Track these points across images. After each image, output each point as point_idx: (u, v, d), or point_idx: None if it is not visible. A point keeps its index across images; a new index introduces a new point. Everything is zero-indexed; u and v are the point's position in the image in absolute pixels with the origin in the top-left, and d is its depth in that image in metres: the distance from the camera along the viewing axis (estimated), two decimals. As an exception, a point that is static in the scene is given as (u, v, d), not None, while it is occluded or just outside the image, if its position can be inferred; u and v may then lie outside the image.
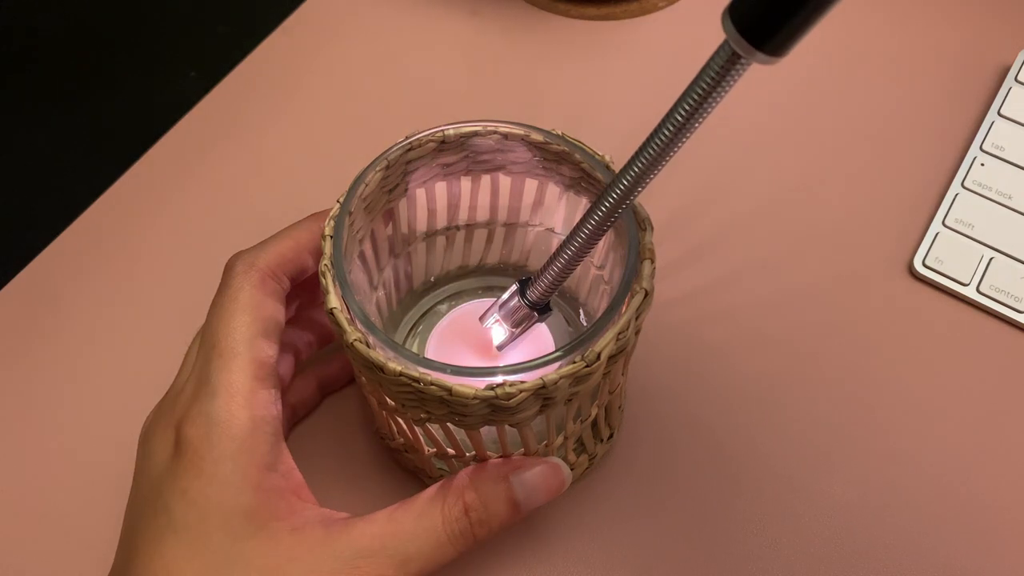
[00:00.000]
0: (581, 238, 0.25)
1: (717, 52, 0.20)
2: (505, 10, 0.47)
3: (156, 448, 0.28)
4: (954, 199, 0.39)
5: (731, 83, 0.20)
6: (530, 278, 0.28)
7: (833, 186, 0.41)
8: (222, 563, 0.25)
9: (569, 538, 0.33)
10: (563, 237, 0.27)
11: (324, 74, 0.45)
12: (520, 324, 0.29)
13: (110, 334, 0.38)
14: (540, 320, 0.29)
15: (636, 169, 0.23)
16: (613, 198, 0.24)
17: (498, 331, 0.30)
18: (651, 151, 0.22)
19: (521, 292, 0.28)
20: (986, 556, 0.32)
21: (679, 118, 0.21)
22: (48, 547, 0.33)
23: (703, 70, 0.20)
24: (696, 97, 0.21)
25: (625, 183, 0.23)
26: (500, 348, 0.31)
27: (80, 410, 0.36)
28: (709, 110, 0.21)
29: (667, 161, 0.22)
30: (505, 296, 0.29)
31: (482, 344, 0.33)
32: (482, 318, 0.30)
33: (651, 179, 0.23)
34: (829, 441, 0.34)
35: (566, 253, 0.26)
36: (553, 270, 0.27)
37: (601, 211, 0.24)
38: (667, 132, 0.22)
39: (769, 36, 0.19)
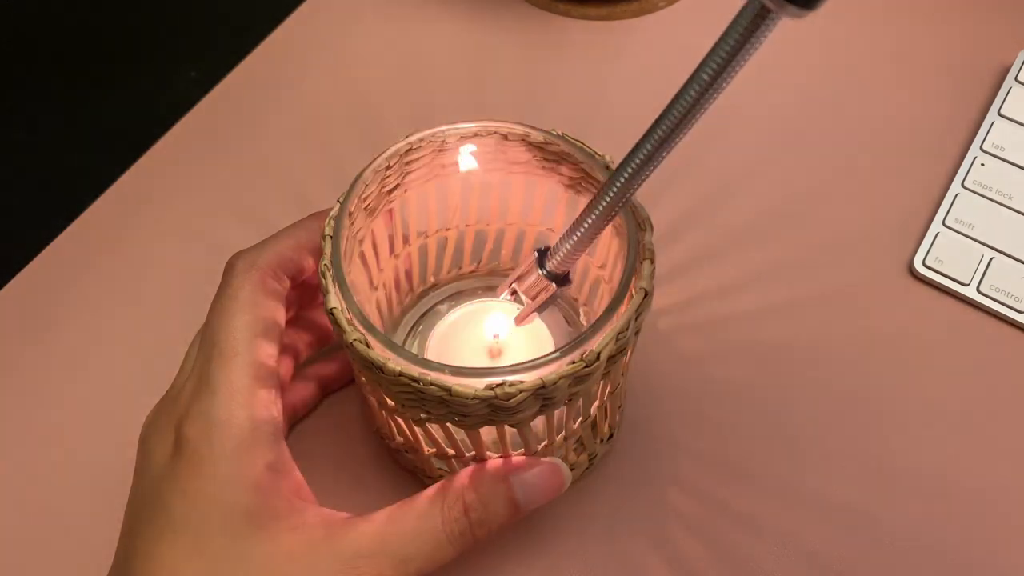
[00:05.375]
0: (606, 201, 0.24)
1: (743, 9, 0.19)
2: (505, 10, 0.47)
3: (156, 447, 0.28)
4: (954, 199, 0.39)
5: (759, 41, 0.19)
6: (548, 248, 0.27)
7: (833, 186, 0.41)
8: (221, 562, 0.25)
9: (568, 538, 0.33)
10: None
11: (324, 74, 0.45)
12: (538, 296, 0.28)
13: (110, 334, 0.38)
14: (559, 291, 0.28)
15: (661, 131, 0.22)
16: (639, 159, 0.23)
17: (504, 319, 0.30)
18: (677, 112, 0.22)
19: (540, 262, 0.28)
20: (987, 555, 0.32)
21: (705, 78, 0.21)
22: (48, 547, 0.33)
23: (729, 29, 0.20)
24: (723, 57, 0.20)
25: (650, 146, 0.23)
26: (519, 322, 0.30)
27: (80, 410, 0.36)
28: (736, 70, 0.20)
29: (693, 123, 0.22)
30: (523, 267, 0.28)
31: (482, 344, 0.33)
32: (498, 291, 0.30)
33: (678, 141, 0.22)
34: (829, 441, 0.34)
35: (590, 217, 0.25)
36: (576, 236, 0.26)
37: (627, 173, 0.23)
38: (693, 93, 0.21)
39: None
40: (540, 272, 0.28)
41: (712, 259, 0.39)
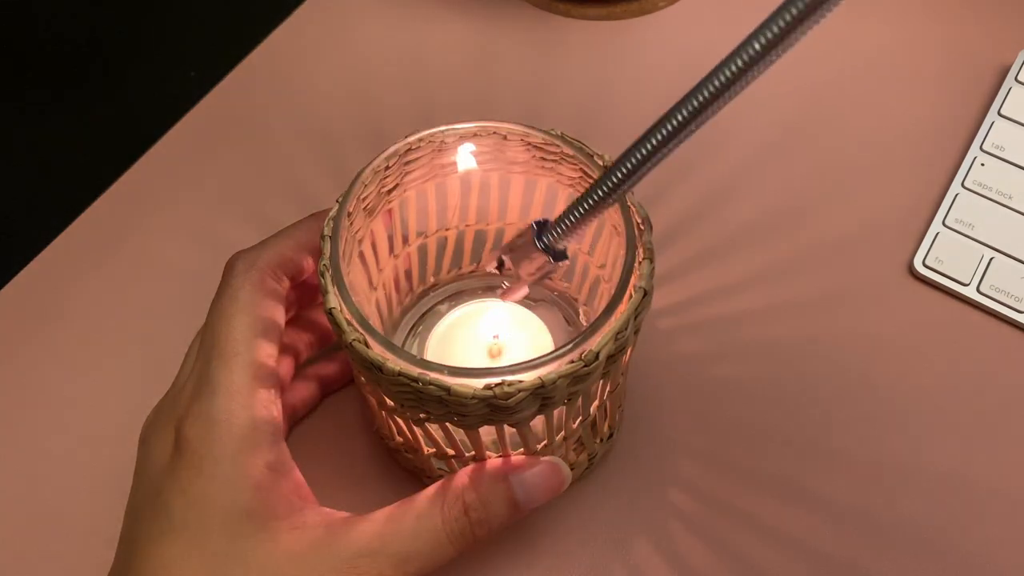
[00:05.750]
0: (632, 162, 0.22)
1: None
2: (505, 10, 0.47)
3: (156, 447, 0.28)
4: (954, 199, 0.39)
5: (828, 11, 0.17)
6: (546, 220, 0.25)
7: (833, 186, 0.41)
8: (221, 562, 0.25)
9: (568, 538, 0.33)
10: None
11: (323, 74, 0.45)
12: (531, 270, 0.26)
13: (110, 334, 0.38)
14: (555, 266, 0.26)
15: (698, 100, 0.20)
16: (668, 128, 0.21)
17: (503, 318, 0.29)
18: (724, 76, 0.20)
19: (538, 235, 0.25)
20: (988, 554, 0.32)
21: (757, 47, 0.19)
22: (48, 547, 0.33)
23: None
24: (781, 26, 0.18)
25: (686, 112, 0.20)
26: (504, 297, 0.28)
27: (80, 410, 0.36)
28: (791, 44, 0.18)
29: (733, 95, 0.20)
30: (517, 239, 0.26)
31: (482, 344, 0.33)
32: (486, 263, 0.28)
33: (714, 112, 0.20)
34: (829, 440, 0.34)
35: (608, 181, 0.23)
36: (585, 205, 0.23)
37: (656, 138, 0.21)
38: (741, 62, 0.19)
39: None
40: (537, 245, 0.26)
41: (712, 259, 0.39)
